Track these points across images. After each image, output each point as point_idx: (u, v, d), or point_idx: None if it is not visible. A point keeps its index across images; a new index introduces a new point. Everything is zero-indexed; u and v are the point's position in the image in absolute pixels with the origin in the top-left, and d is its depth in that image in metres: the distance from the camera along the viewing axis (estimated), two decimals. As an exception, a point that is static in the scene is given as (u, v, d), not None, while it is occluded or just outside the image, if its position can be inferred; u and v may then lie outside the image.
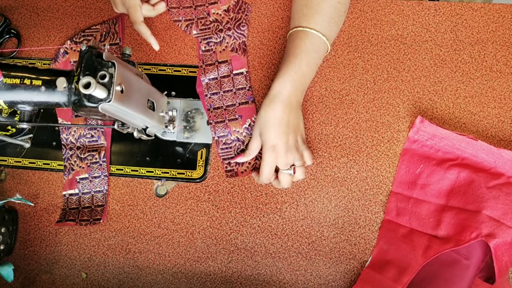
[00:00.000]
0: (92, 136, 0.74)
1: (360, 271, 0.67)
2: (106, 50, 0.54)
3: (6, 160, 0.75)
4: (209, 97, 0.72)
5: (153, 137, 0.67)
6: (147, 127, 0.64)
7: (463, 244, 0.60)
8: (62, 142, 0.74)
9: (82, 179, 0.73)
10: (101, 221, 0.71)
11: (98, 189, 0.72)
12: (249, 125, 0.70)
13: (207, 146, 0.72)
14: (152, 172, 0.72)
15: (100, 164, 0.72)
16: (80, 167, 0.73)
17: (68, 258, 0.72)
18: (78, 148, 0.74)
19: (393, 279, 0.63)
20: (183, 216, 0.71)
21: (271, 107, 0.63)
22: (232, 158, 0.70)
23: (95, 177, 0.72)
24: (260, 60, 0.74)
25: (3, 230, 0.70)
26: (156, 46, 0.69)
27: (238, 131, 0.70)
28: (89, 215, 0.71)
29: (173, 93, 0.74)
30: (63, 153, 0.74)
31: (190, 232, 0.71)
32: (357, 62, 0.72)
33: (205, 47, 0.74)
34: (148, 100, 0.62)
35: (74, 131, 0.74)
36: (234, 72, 0.72)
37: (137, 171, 0.73)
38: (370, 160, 0.69)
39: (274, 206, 0.70)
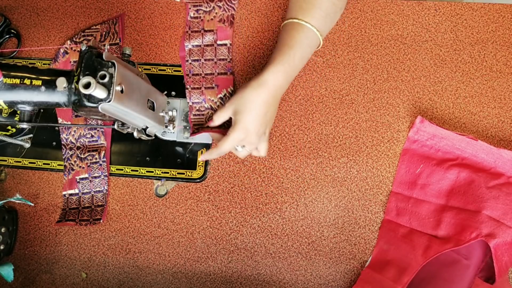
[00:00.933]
0: (92, 136, 0.74)
1: (360, 271, 0.67)
2: (106, 50, 0.54)
3: (6, 160, 0.75)
4: (190, 63, 0.73)
5: (153, 137, 0.67)
6: (147, 127, 0.64)
7: (463, 244, 0.60)
8: (62, 142, 0.74)
9: (82, 179, 0.73)
10: (101, 221, 0.71)
11: (98, 189, 0.72)
12: (224, 96, 0.71)
13: (207, 146, 0.72)
14: (152, 172, 0.72)
15: (100, 164, 0.72)
16: (80, 167, 0.73)
17: (68, 258, 0.72)
18: (78, 148, 0.74)
19: (393, 279, 0.63)
20: (183, 216, 0.71)
21: (258, 91, 0.62)
22: (202, 126, 0.70)
23: (95, 177, 0.72)
24: (260, 60, 0.74)
25: (3, 230, 0.70)
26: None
27: (213, 100, 0.71)
28: (89, 215, 0.71)
29: (173, 93, 0.74)
30: (63, 153, 0.74)
31: (190, 232, 0.71)
32: (357, 62, 0.72)
33: (194, 13, 0.74)
34: (148, 100, 0.61)
35: (74, 131, 0.74)
36: (218, 42, 0.73)
37: (137, 171, 0.73)
38: (370, 160, 0.69)
39: (274, 206, 0.70)
